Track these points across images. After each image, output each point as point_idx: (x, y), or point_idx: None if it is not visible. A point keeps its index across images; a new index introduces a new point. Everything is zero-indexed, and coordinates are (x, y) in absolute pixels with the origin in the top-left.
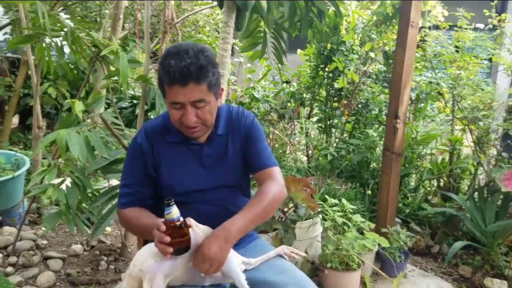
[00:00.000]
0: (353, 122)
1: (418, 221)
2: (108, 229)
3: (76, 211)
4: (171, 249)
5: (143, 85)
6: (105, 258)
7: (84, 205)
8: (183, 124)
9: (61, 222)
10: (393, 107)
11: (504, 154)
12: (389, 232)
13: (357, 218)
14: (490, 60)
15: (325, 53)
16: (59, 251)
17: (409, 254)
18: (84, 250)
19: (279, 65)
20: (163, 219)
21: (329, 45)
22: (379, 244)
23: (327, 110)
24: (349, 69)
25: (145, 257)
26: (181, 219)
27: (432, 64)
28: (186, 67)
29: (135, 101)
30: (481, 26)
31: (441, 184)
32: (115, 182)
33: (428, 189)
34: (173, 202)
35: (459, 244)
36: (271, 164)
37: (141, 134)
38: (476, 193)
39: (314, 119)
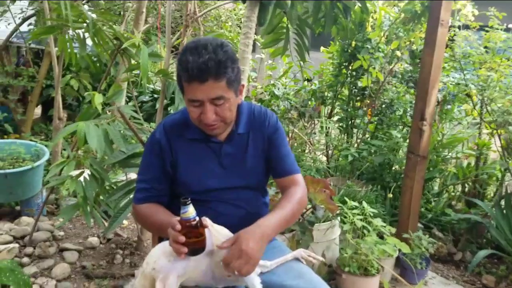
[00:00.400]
0: (376, 122)
1: (441, 227)
2: (125, 222)
3: (94, 204)
4: (185, 249)
5: (163, 80)
6: (121, 252)
7: (101, 198)
8: (202, 122)
9: (78, 214)
10: (420, 108)
11: None
12: (410, 238)
13: (378, 222)
14: None
15: (349, 51)
16: (75, 243)
17: (430, 261)
18: (101, 243)
19: (301, 63)
20: (178, 218)
21: (353, 43)
22: (399, 250)
23: (349, 110)
24: (374, 68)
25: (158, 256)
26: (197, 218)
27: (461, 65)
28: (204, 63)
29: (155, 95)
30: None
31: (466, 189)
32: (133, 175)
33: (452, 194)
34: (190, 201)
35: (483, 253)
36: (296, 170)
37: (159, 130)
38: (502, 200)
39: (335, 118)
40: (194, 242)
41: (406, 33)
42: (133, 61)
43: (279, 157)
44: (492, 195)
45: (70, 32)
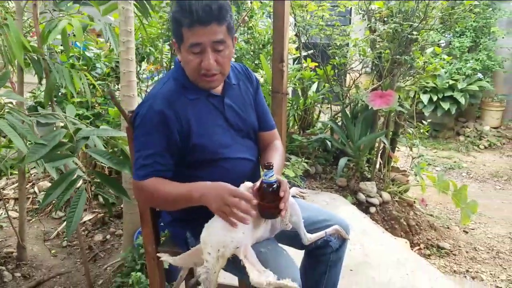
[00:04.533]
0: None
1: (290, 151)
2: None
3: None
4: (254, 213)
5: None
6: (4, 268)
7: None
8: (201, 70)
9: None
10: (278, 51)
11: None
12: (291, 163)
13: None
14: None
15: None
16: None
17: (305, 179)
18: None
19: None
20: (256, 183)
21: None
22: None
23: None
24: None
25: (231, 234)
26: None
27: (292, 8)
28: (208, 5)
29: None
30: None
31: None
32: None
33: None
34: (273, 165)
35: (343, 161)
36: (274, 125)
37: (158, 101)
38: (336, 117)
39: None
40: (275, 206)
41: None
42: None
43: (263, 112)
44: (315, 118)
45: None
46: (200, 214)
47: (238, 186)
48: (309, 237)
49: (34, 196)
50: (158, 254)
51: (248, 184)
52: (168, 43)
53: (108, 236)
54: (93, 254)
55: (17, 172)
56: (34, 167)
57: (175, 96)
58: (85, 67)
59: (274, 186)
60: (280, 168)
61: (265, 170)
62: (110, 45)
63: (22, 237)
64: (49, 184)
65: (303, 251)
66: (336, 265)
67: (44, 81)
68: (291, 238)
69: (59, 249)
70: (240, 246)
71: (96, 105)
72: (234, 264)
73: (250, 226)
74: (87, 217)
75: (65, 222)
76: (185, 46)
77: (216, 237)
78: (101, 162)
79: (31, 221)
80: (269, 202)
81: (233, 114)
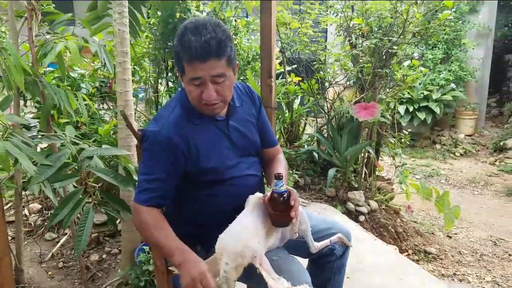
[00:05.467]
0: None
1: None
2: None
3: None
4: None
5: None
6: None
7: None
8: (202, 101)
9: None
10: (266, 67)
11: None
12: None
13: None
14: None
15: (174, 21)
16: None
17: (296, 191)
18: None
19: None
20: (267, 193)
21: (178, 14)
22: None
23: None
24: None
25: (246, 245)
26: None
27: (278, 27)
28: (207, 42)
29: None
30: None
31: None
32: None
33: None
34: (282, 176)
35: (332, 172)
36: (277, 141)
37: (165, 126)
38: (322, 129)
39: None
40: (287, 215)
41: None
42: None
43: (267, 130)
44: (301, 130)
45: None
46: (211, 231)
47: (245, 200)
48: (316, 245)
49: (24, 218)
50: (170, 268)
51: (258, 194)
52: (155, 61)
53: (104, 256)
54: (91, 274)
55: (5, 195)
56: (26, 189)
57: (182, 123)
58: (69, 88)
59: (285, 195)
60: (285, 179)
61: (275, 180)
62: (105, 65)
63: (20, 260)
64: (39, 206)
65: (307, 259)
66: (340, 271)
67: (28, 103)
68: (296, 247)
69: (55, 271)
70: (256, 255)
71: (80, 124)
72: (248, 273)
73: (264, 236)
74: None
75: (58, 244)
76: (186, 79)
77: (234, 247)
78: (93, 183)
79: (24, 244)
80: (281, 211)
81: (237, 135)
